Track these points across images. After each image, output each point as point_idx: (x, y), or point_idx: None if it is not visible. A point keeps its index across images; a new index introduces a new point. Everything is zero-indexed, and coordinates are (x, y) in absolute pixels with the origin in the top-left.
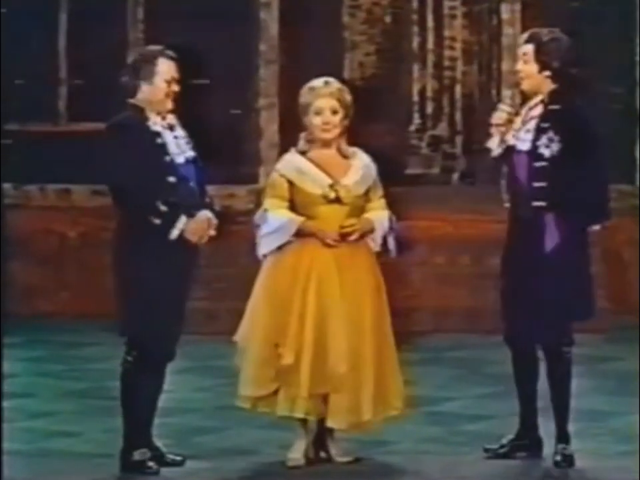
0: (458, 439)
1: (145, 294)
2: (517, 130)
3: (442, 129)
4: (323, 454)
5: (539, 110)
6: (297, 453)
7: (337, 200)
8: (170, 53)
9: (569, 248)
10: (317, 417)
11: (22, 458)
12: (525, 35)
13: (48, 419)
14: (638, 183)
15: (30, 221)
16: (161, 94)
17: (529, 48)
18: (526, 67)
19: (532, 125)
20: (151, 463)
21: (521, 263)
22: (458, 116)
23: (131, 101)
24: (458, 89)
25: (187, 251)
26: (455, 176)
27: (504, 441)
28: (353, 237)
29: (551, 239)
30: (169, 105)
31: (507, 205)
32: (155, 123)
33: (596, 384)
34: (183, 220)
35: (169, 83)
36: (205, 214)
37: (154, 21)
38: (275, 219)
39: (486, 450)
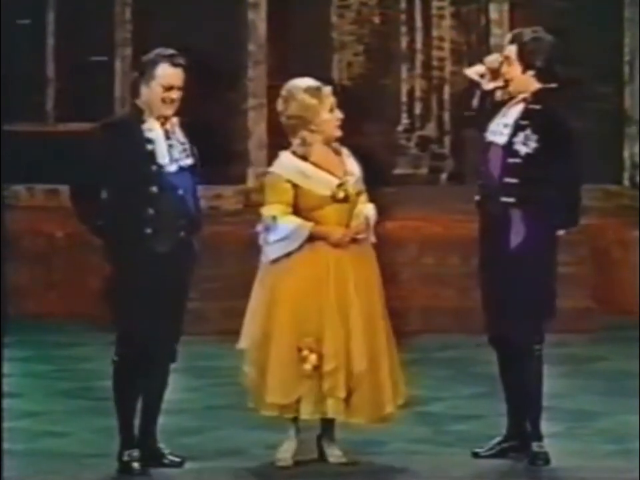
0: (447, 439)
1: (129, 293)
2: (496, 123)
3: (430, 129)
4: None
5: (519, 107)
6: (285, 454)
7: (345, 199)
8: (177, 59)
9: (535, 247)
10: (340, 417)
11: (11, 458)
12: (509, 36)
13: (37, 419)
14: (626, 183)
15: (18, 221)
16: (156, 99)
17: (512, 49)
18: (510, 69)
19: (510, 120)
20: (136, 464)
21: (490, 258)
22: (446, 116)
23: (135, 101)
24: (446, 89)
25: (175, 254)
26: (444, 176)
27: (492, 443)
28: (361, 236)
29: (516, 236)
30: (167, 111)
31: (477, 197)
32: (151, 128)
33: (584, 384)
34: None
35: (165, 88)
36: None
37: (141, 22)
38: (286, 225)
39: (475, 454)
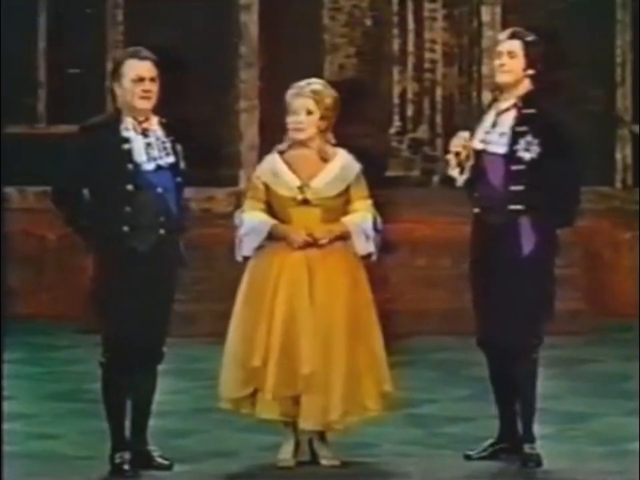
0: (438, 440)
1: (113, 296)
2: (486, 133)
3: (422, 132)
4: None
5: (512, 113)
6: (286, 454)
7: (306, 202)
8: (141, 52)
9: (543, 250)
10: (291, 419)
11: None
12: (507, 32)
13: (27, 421)
14: (618, 185)
15: (9, 223)
16: (129, 95)
17: (516, 44)
18: (513, 62)
19: (506, 128)
20: (127, 466)
21: (496, 267)
22: (438, 118)
23: (115, 104)
24: (438, 92)
25: (157, 254)
26: (435, 178)
27: (484, 445)
28: (322, 242)
29: (528, 242)
30: (144, 105)
31: (476, 210)
32: (127, 127)
33: (575, 386)
34: None
35: (135, 81)
36: None
37: (133, 23)
38: (249, 220)
39: (466, 456)
